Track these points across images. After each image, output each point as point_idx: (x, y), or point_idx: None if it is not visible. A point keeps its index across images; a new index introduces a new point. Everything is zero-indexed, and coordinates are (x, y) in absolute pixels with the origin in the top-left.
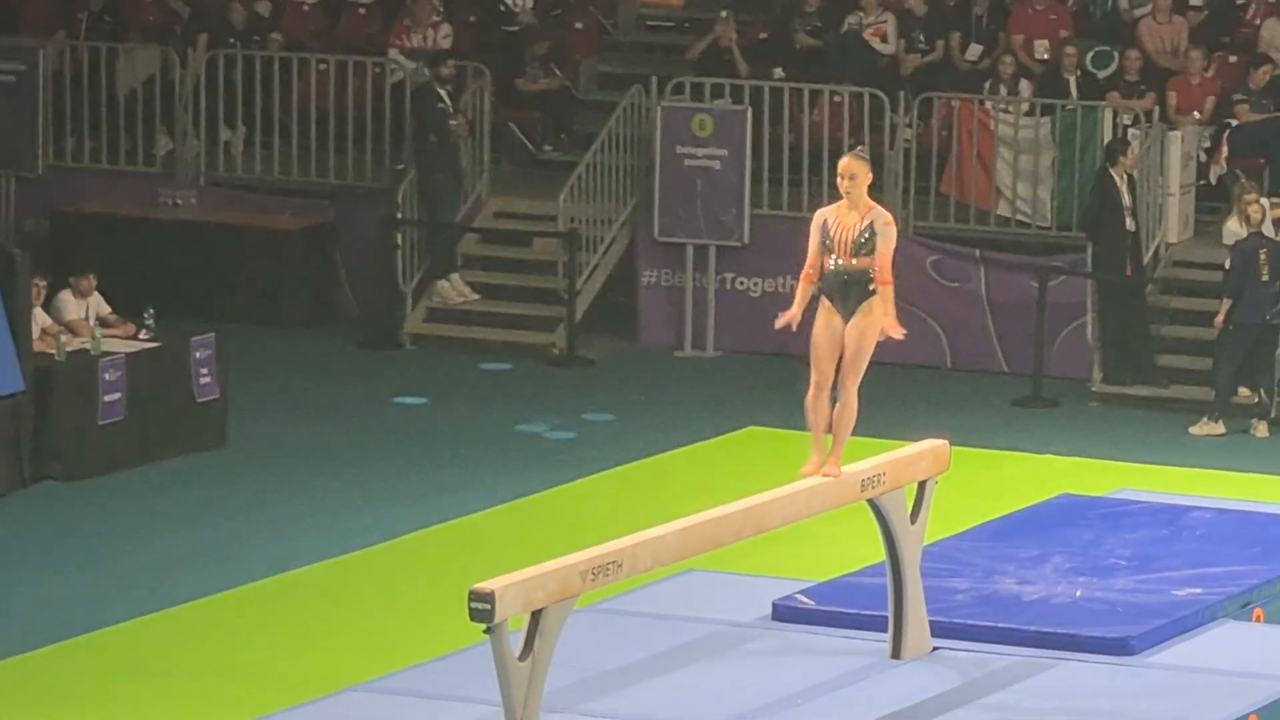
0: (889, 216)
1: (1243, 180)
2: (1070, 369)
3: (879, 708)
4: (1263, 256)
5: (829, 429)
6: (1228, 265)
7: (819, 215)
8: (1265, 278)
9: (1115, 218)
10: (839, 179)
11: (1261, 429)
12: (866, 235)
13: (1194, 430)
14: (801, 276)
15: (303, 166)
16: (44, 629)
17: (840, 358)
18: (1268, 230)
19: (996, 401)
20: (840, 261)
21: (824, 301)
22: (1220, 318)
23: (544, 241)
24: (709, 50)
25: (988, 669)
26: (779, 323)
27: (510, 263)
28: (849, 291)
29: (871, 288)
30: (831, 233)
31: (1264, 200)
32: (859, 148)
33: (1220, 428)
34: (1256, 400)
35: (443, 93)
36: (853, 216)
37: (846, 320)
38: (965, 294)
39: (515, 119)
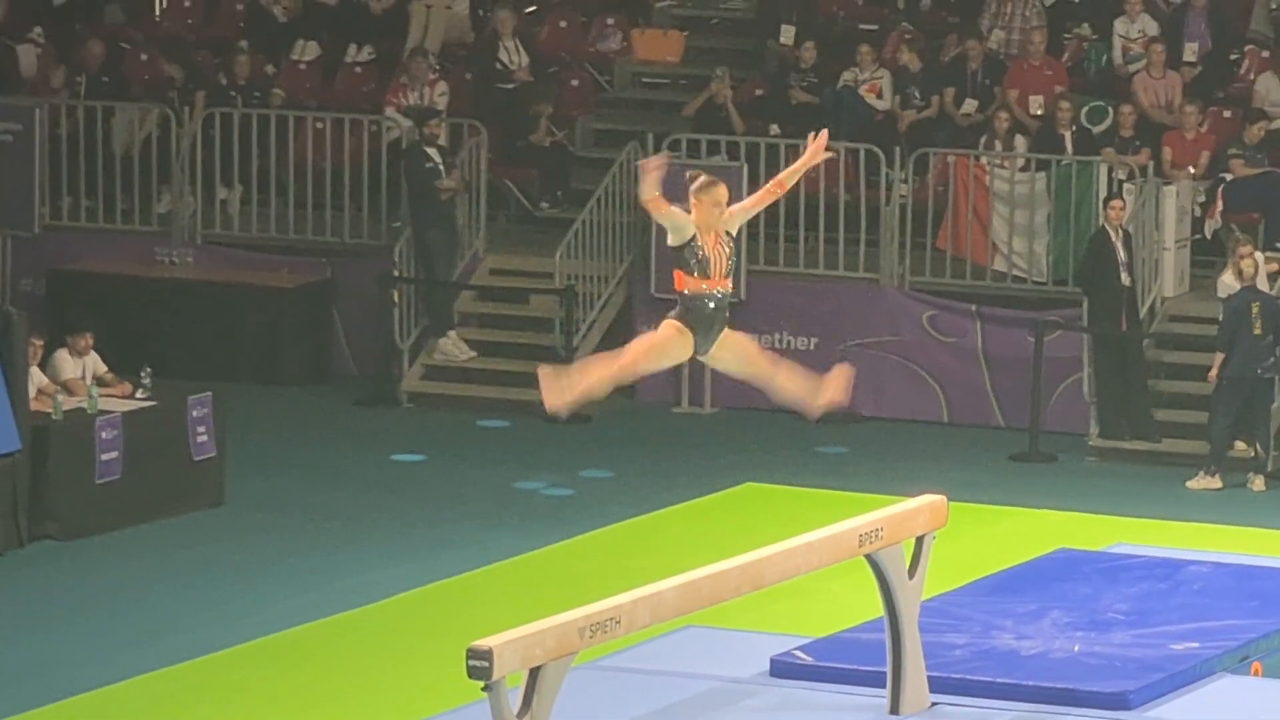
0: (728, 209)
1: (1237, 234)
2: (1067, 424)
3: None
4: (1255, 310)
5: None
6: (1221, 319)
7: (693, 225)
8: (1258, 331)
9: (1111, 272)
10: (714, 205)
11: (1258, 483)
12: (733, 256)
13: (1191, 484)
14: (658, 202)
15: (299, 225)
16: (41, 689)
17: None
18: (1261, 283)
19: (993, 456)
20: (718, 290)
21: (678, 325)
22: (1213, 372)
23: (541, 298)
24: (705, 107)
25: None
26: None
27: (507, 320)
28: (716, 321)
29: (728, 314)
30: (702, 254)
31: (1258, 254)
32: (704, 176)
33: (1217, 482)
34: (1253, 454)
35: (431, 151)
36: (712, 240)
37: (700, 353)
38: (962, 349)
39: (512, 176)
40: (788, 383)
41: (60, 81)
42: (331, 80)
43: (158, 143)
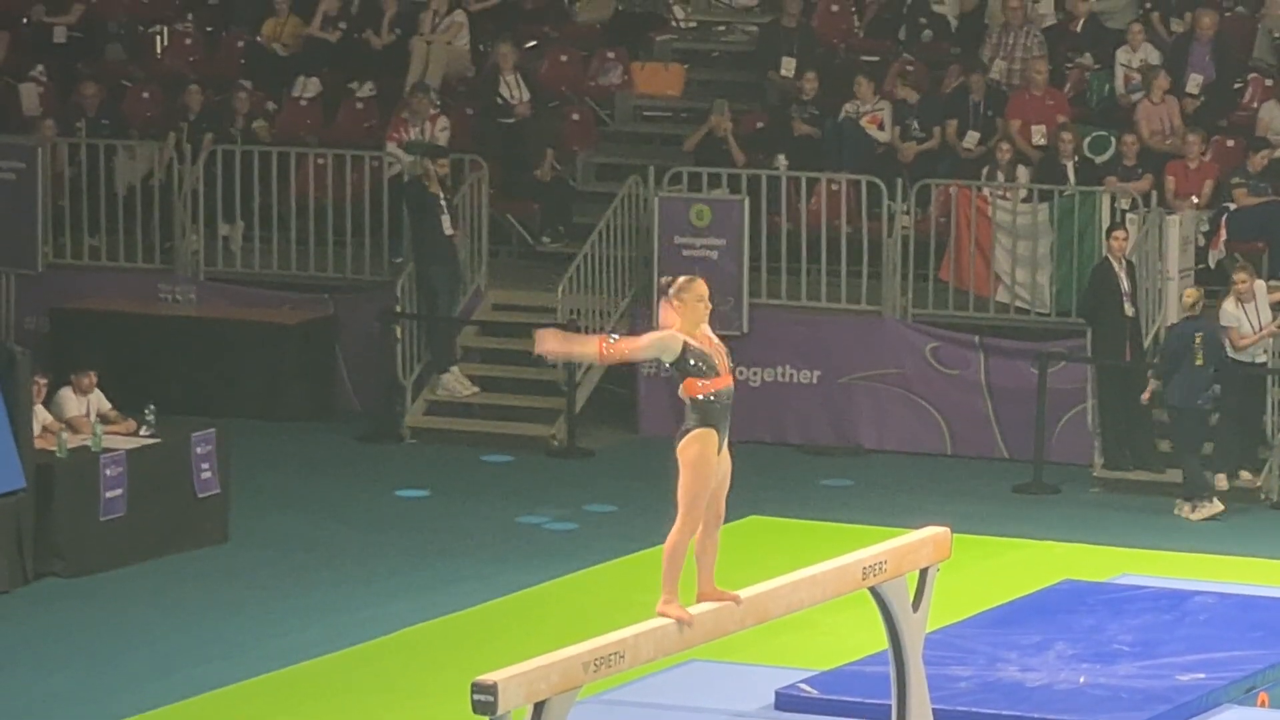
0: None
1: (1237, 259)
2: (1071, 454)
3: None
4: (1198, 340)
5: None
6: (1162, 347)
7: (678, 335)
8: (1199, 362)
9: (1114, 303)
10: (697, 301)
11: (1185, 510)
12: (731, 354)
13: (1193, 517)
14: (605, 347)
15: (301, 261)
16: None
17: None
18: (1263, 311)
19: (997, 488)
20: (725, 387)
21: (705, 434)
22: (1145, 395)
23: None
24: (705, 140)
25: None
26: (540, 348)
27: (510, 355)
28: (727, 415)
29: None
30: (706, 355)
31: (1259, 282)
32: (681, 277)
33: (1218, 505)
34: (1259, 484)
35: (434, 186)
36: (704, 338)
37: (720, 449)
38: (965, 381)
39: (513, 211)
40: (711, 548)
41: (56, 129)
42: (333, 116)
43: (160, 180)
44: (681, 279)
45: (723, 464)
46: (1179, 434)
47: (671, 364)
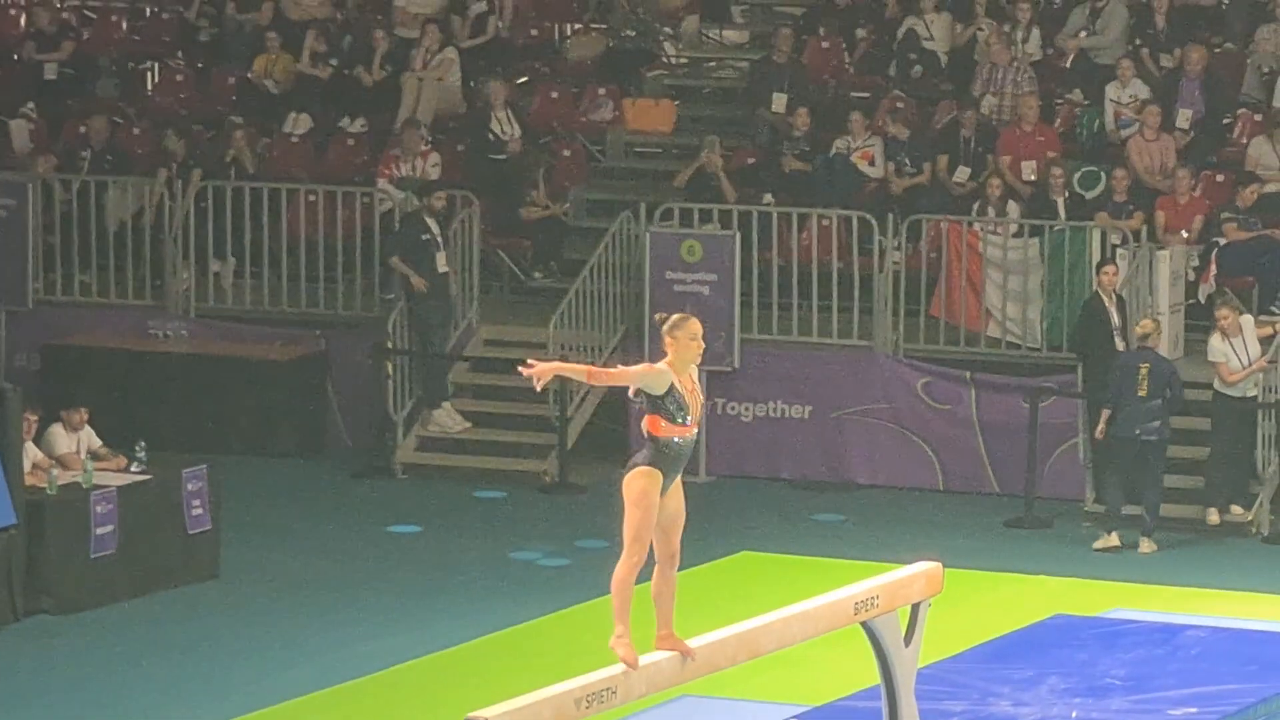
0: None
1: (1226, 292)
2: (1062, 489)
3: None
4: (1143, 372)
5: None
6: (1109, 377)
7: (668, 371)
8: (1143, 393)
9: (1105, 338)
10: (690, 340)
11: (1146, 545)
12: (703, 398)
13: (1096, 545)
14: (593, 371)
15: (293, 297)
16: None
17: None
18: (1251, 346)
19: (989, 523)
20: (688, 436)
21: (651, 473)
22: (1100, 428)
23: None
24: (696, 175)
25: None
26: (528, 371)
27: (501, 390)
28: (682, 462)
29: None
30: (684, 402)
31: (1245, 317)
32: (674, 315)
33: (1115, 540)
34: (1250, 518)
35: (430, 222)
36: (690, 381)
37: (664, 491)
38: (956, 416)
39: (504, 246)
40: (667, 589)
41: (53, 165)
42: (324, 152)
43: (151, 217)
44: (675, 316)
45: (673, 502)
46: (1108, 463)
47: (651, 399)
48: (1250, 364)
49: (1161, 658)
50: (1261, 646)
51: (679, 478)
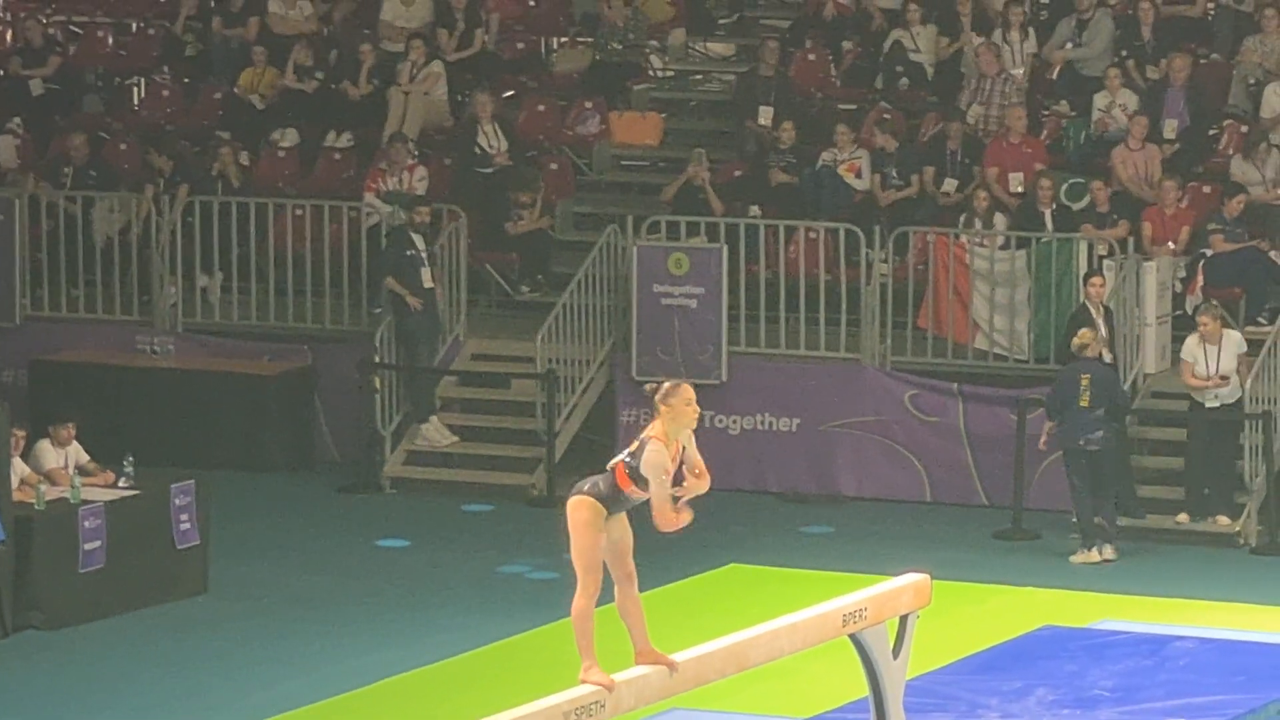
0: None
1: (1214, 304)
2: (1050, 501)
3: None
4: (1084, 382)
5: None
6: (1051, 388)
7: (664, 450)
8: (1084, 403)
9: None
10: (685, 405)
11: (1108, 552)
12: (682, 460)
13: (1074, 559)
14: (657, 501)
15: (280, 312)
16: None
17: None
18: (1225, 360)
19: (977, 534)
20: (645, 499)
21: (596, 506)
22: (1043, 439)
23: (522, 383)
24: (683, 189)
25: None
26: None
27: (489, 404)
28: (626, 511)
29: None
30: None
31: (1232, 332)
32: (667, 383)
33: (1096, 555)
34: (1237, 529)
35: (416, 237)
36: (675, 448)
37: (608, 517)
38: (944, 428)
39: (492, 260)
40: (633, 606)
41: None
42: (310, 167)
43: (138, 232)
44: (668, 384)
45: (618, 528)
46: (1072, 476)
47: (637, 466)
48: (1213, 375)
49: (1150, 669)
50: (1249, 657)
51: (625, 510)
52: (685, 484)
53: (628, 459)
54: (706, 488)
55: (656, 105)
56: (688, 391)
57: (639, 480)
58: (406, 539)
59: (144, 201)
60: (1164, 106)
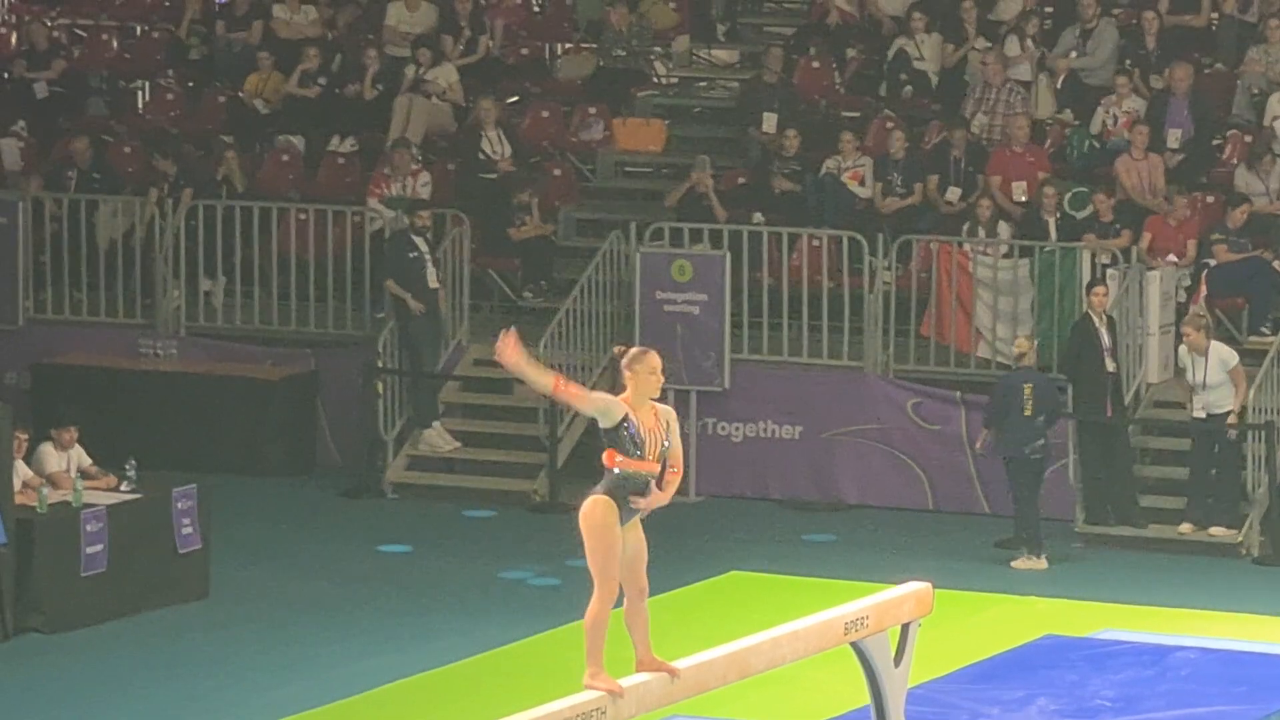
0: (673, 411)
1: (1201, 315)
2: (1053, 510)
3: None
4: (1027, 391)
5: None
6: (990, 396)
7: (623, 404)
8: (1028, 412)
9: (1095, 358)
10: (649, 374)
11: (1040, 562)
12: (667, 440)
13: (1015, 565)
14: (561, 384)
15: (283, 316)
16: None
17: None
18: (1212, 372)
19: (979, 543)
20: (644, 472)
21: (607, 502)
22: (979, 444)
23: (525, 388)
24: (687, 195)
25: None
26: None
27: (491, 410)
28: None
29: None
30: (638, 435)
31: (1220, 345)
32: (633, 349)
33: (1042, 563)
34: (1238, 539)
35: (418, 240)
36: (650, 417)
37: (622, 523)
38: (947, 436)
39: (495, 266)
40: (640, 619)
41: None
42: (314, 172)
43: (141, 235)
44: (634, 350)
45: (633, 537)
46: (1017, 484)
47: (604, 430)
48: (1204, 386)
49: (1151, 679)
50: (1251, 668)
51: (638, 516)
52: (666, 478)
53: (603, 438)
54: (671, 496)
55: (660, 112)
56: (654, 360)
57: (617, 438)
58: (408, 544)
59: (148, 205)
60: (1167, 116)
